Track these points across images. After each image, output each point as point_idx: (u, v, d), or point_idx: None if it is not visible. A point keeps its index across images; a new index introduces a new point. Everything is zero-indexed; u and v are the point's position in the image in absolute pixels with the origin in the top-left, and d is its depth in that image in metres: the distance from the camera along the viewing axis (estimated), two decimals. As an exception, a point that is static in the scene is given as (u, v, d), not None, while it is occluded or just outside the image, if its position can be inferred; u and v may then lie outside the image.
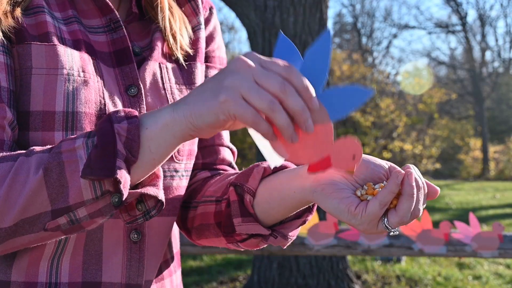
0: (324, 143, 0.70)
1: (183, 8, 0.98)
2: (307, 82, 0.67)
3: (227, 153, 1.04)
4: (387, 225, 0.72)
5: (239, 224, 0.85)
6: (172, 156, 0.89)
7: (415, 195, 0.70)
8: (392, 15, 35.02)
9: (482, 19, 25.87)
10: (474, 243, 2.61)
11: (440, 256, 2.77)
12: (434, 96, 19.34)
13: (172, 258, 0.98)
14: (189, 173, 0.96)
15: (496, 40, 34.90)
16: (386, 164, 0.76)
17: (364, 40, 27.93)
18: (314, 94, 0.67)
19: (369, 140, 17.35)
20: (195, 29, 0.98)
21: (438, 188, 0.76)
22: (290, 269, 4.64)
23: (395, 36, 30.85)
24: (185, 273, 5.61)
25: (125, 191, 0.68)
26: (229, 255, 6.11)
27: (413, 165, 0.73)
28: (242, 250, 0.93)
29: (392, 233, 0.73)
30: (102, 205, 0.70)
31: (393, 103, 18.05)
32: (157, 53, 0.90)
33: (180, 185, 0.93)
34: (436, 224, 2.68)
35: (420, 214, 0.73)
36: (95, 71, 0.82)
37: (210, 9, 1.04)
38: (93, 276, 0.83)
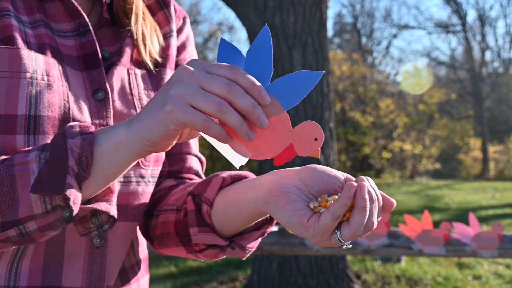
0: (283, 133, 0.71)
1: (155, 16, 0.99)
2: (253, 79, 0.68)
3: (195, 162, 1.03)
4: (340, 238, 0.71)
5: (195, 234, 0.85)
6: (138, 161, 0.89)
7: (367, 208, 0.69)
8: (392, 15, 35.02)
9: (482, 19, 25.88)
10: (474, 243, 2.61)
11: (440, 256, 2.77)
12: (434, 96, 19.34)
13: (139, 263, 0.98)
14: (156, 180, 0.95)
15: (496, 40, 34.91)
16: (342, 175, 0.75)
17: (364, 40, 27.94)
18: (262, 89, 0.68)
19: (369, 140, 17.34)
20: (167, 36, 0.98)
21: (394, 201, 0.75)
22: (290, 269, 4.64)
23: (395, 36, 30.88)
24: (185, 273, 5.61)
25: (75, 207, 0.68)
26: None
27: (367, 177, 0.72)
28: (202, 260, 0.92)
29: (345, 246, 0.72)
30: (53, 219, 0.70)
31: (393, 103, 18.05)
32: (126, 58, 0.90)
33: (146, 191, 0.93)
34: (436, 224, 2.69)
35: (374, 227, 0.72)
36: (61, 75, 0.82)
37: (184, 18, 1.04)
38: (53, 280, 0.82)
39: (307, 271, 4.63)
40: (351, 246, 0.73)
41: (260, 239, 0.88)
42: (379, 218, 0.74)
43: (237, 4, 4.73)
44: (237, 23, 30.55)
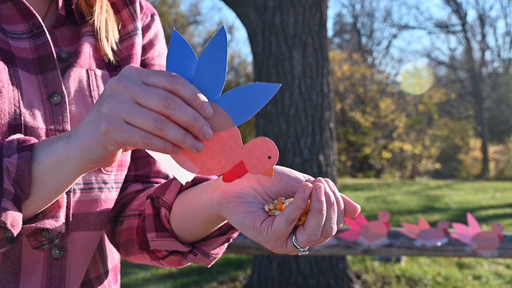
0: (233, 149, 0.66)
1: (120, 14, 0.94)
2: (195, 90, 0.63)
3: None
4: (295, 244, 0.66)
5: (153, 239, 0.81)
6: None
7: (324, 211, 0.64)
8: (392, 15, 35.04)
9: (482, 19, 25.88)
10: (474, 243, 2.61)
11: (441, 256, 2.77)
12: (434, 96, 19.35)
13: (107, 273, 0.94)
14: (120, 185, 0.91)
15: (496, 40, 34.92)
16: (303, 177, 0.70)
17: (364, 40, 27.94)
18: (205, 101, 0.63)
19: (369, 140, 17.35)
20: (131, 34, 0.93)
21: (357, 206, 0.70)
22: (290, 269, 4.64)
23: (395, 36, 30.89)
24: (185, 273, 5.62)
25: (15, 229, 0.65)
26: (229, 255, 6.11)
27: (328, 179, 0.68)
28: (167, 267, 0.87)
29: (301, 253, 0.67)
30: None
31: (393, 104, 18.06)
32: (85, 59, 0.86)
33: (109, 197, 0.88)
34: (435, 224, 2.69)
35: (334, 233, 0.66)
36: (11, 80, 0.77)
37: (152, 15, 0.99)
38: None
39: (307, 271, 4.63)
40: (307, 252, 0.67)
41: (225, 245, 0.83)
42: (341, 224, 0.68)
43: (237, 4, 4.74)
44: (237, 23, 30.56)
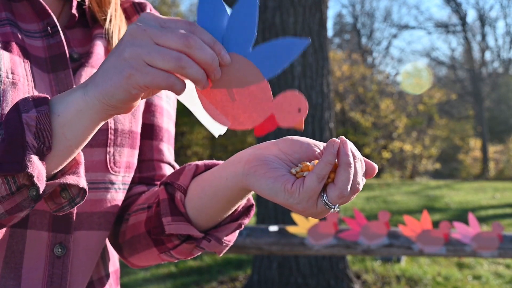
0: (263, 102, 0.68)
1: (130, 20, 0.96)
2: (212, 37, 0.65)
3: (168, 170, 0.99)
4: (327, 201, 0.67)
5: (169, 223, 0.81)
6: (107, 167, 0.86)
7: (352, 164, 0.66)
8: (392, 15, 35.06)
9: (482, 19, 25.89)
10: (473, 243, 2.61)
11: (440, 256, 2.78)
12: (434, 96, 19.35)
13: (108, 276, 0.94)
14: (127, 187, 0.91)
15: (496, 40, 34.92)
16: (322, 144, 0.72)
17: (364, 40, 27.95)
18: (222, 48, 0.65)
19: (369, 140, 17.36)
20: None
21: (375, 165, 0.71)
22: (290, 269, 4.64)
23: (395, 36, 30.89)
24: (185, 273, 5.62)
25: (41, 184, 0.64)
26: (229, 255, 6.11)
27: (344, 138, 0.70)
28: (176, 261, 0.86)
29: (333, 210, 0.68)
30: (20, 200, 0.65)
31: (393, 104, 18.06)
32: (96, 59, 0.86)
33: (115, 198, 0.88)
34: (435, 224, 2.69)
35: (360, 189, 0.68)
36: (26, 74, 0.78)
37: None
38: None
39: (307, 271, 4.64)
40: (338, 210, 0.69)
41: (237, 232, 0.84)
42: (364, 181, 0.70)
43: (237, 4, 4.74)
44: (237, 23, 30.47)
